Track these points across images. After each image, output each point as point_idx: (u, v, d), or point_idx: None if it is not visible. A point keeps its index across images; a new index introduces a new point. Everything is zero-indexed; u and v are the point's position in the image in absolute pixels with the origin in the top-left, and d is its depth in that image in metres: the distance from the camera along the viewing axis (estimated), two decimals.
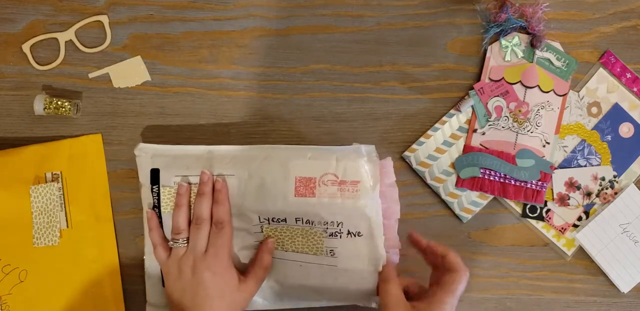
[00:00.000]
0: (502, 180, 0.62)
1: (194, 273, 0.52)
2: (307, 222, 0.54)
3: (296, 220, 0.54)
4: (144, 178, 0.57)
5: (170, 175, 0.56)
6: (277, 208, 0.54)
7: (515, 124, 0.63)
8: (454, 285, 0.51)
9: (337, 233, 0.54)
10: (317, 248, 0.54)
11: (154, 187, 0.56)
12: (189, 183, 0.55)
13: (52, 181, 0.59)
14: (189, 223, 0.55)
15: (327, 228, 0.54)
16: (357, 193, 0.53)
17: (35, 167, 0.59)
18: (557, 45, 0.63)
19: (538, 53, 0.63)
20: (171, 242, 0.54)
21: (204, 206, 0.54)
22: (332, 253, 0.54)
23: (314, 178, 0.53)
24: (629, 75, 0.65)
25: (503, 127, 0.63)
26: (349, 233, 0.53)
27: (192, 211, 0.55)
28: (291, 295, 0.58)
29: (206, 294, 0.52)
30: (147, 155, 0.57)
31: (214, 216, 0.54)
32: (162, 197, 0.56)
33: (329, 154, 0.54)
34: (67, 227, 0.59)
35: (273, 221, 0.55)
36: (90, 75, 0.62)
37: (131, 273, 0.60)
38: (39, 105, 0.59)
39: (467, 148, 0.62)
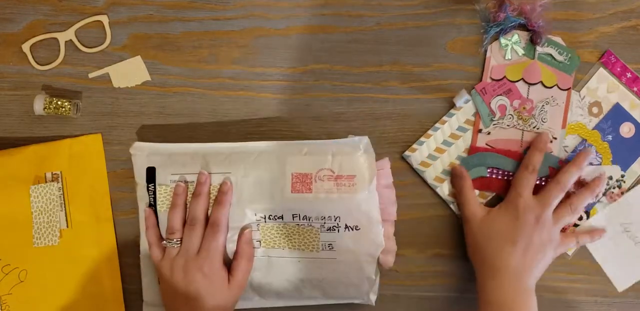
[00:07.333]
0: (508, 178, 0.62)
1: (186, 274, 0.53)
2: (305, 217, 0.54)
3: (293, 217, 0.54)
4: (140, 176, 0.57)
5: (167, 174, 0.56)
6: (274, 205, 0.54)
7: (520, 122, 0.62)
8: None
9: (334, 227, 0.54)
10: (313, 245, 0.55)
11: (150, 185, 0.56)
12: (186, 182, 0.56)
13: (52, 181, 0.59)
14: (184, 223, 0.55)
15: (324, 223, 0.54)
16: (353, 187, 0.53)
17: (35, 167, 0.59)
18: (558, 39, 0.63)
19: (539, 49, 0.63)
20: (165, 242, 0.55)
21: (200, 207, 0.54)
22: (330, 247, 0.55)
23: (310, 174, 0.54)
24: (629, 75, 0.64)
25: (508, 126, 0.62)
26: (346, 227, 0.54)
27: (187, 211, 0.55)
28: (289, 292, 0.58)
29: (197, 294, 0.52)
30: (143, 153, 0.57)
31: (211, 217, 0.54)
32: (158, 195, 0.56)
33: (325, 149, 0.55)
34: (67, 226, 0.59)
35: (270, 219, 0.55)
36: (90, 75, 0.62)
37: (131, 273, 0.60)
38: (39, 105, 0.59)
39: (473, 149, 0.62)
